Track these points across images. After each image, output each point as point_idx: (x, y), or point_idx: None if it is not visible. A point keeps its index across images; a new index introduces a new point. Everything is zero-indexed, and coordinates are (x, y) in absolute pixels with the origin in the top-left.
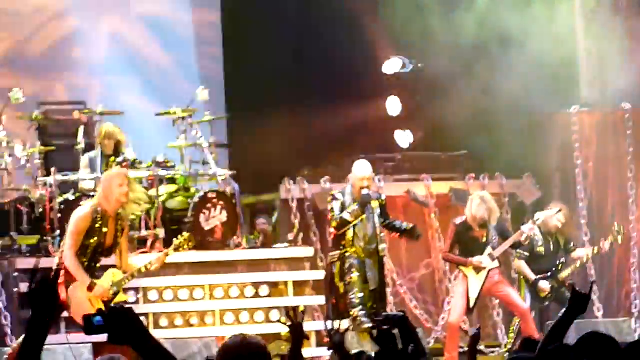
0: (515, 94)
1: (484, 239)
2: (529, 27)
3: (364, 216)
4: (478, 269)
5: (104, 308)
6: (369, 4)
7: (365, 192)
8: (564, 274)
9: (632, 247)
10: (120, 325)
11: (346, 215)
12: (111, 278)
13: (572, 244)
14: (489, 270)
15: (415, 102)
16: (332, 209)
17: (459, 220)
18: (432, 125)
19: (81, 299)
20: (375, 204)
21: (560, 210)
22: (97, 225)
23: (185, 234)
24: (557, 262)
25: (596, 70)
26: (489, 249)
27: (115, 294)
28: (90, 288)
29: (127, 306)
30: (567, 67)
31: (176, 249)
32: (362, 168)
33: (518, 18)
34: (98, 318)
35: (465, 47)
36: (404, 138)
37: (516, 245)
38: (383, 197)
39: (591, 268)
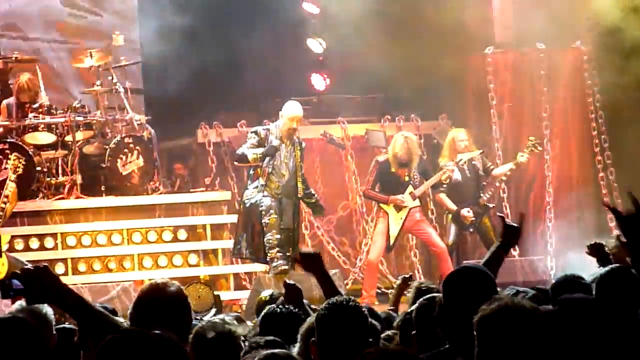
0: (430, 35)
1: (406, 178)
2: None
3: (282, 154)
4: (399, 207)
5: None
6: None
7: (275, 142)
8: (485, 197)
9: (547, 186)
10: (38, 286)
11: (248, 153)
12: None
13: (490, 165)
14: (410, 209)
15: (332, 44)
16: (247, 141)
17: (381, 158)
18: (348, 68)
19: None
20: (297, 149)
21: (482, 152)
22: None
23: (12, 156)
24: (478, 187)
25: (510, 11)
26: (410, 188)
27: None
28: None
29: (42, 265)
30: (481, 8)
31: (15, 172)
32: (293, 108)
33: None
34: (15, 280)
35: None
36: (320, 81)
37: (437, 185)
38: (303, 144)
39: (506, 207)
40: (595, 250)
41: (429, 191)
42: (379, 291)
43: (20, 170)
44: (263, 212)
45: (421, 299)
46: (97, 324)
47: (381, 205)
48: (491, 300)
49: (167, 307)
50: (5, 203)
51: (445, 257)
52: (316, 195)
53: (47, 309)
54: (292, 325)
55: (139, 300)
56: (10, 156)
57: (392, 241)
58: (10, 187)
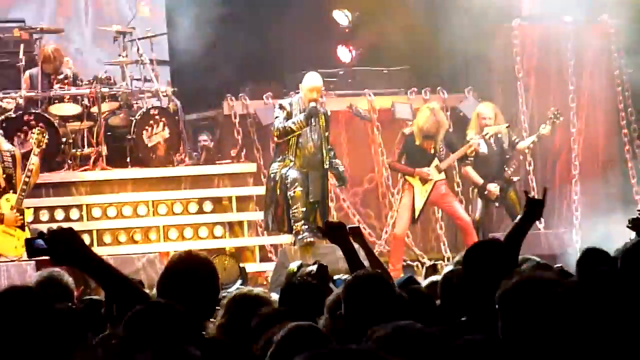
0: (457, 7)
1: (432, 151)
2: None
3: (307, 128)
4: (424, 180)
5: (16, 235)
6: None
7: (312, 104)
8: (510, 171)
9: (573, 159)
10: (62, 246)
11: (290, 124)
12: (9, 203)
13: (515, 138)
14: (435, 182)
15: (358, 17)
16: (277, 117)
17: (407, 131)
18: (375, 40)
19: None
20: (322, 119)
21: (509, 126)
22: None
23: (36, 130)
24: (503, 161)
25: None
26: (436, 161)
27: (22, 214)
28: None
29: (67, 226)
30: None
31: (39, 146)
32: (312, 79)
33: None
34: (39, 240)
35: None
36: (346, 53)
37: (463, 159)
38: (329, 112)
39: (532, 180)
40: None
41: (455, 164)
42: (404, 264)
43: (43, 145)
44: (288, 185)
45: (445, 271)
46: (124, 291)
47: (407, 177)
48: (512, 274)
49: (196, 278)
50: (28, 177)
51: (470, 230)
52: (342, 166)
53: (68, 278)
54: (313, 297)
55: (167, 271)
56: (34, 130)
57: (417, 214)
58: (34, 161)
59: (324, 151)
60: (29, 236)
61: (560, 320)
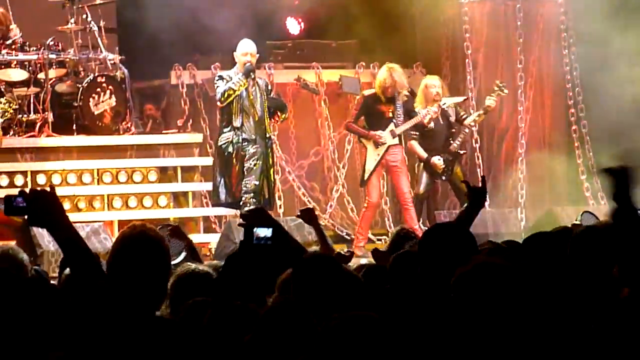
0: None
1: (389, 114)
2: None
3: (248, 87)
4: (377, 144)
5: None
6: None
7: (248, 64)
8: (455, 145)
9: (519, 137)
10: (41, 207)
11: (231, 85)
12: None
13: (463, 114)
14: (389, 146)
15: None
16: (217, 87)
17: (367, 92)
18: (323, 13)
19: None
20: (260, 87)
21: (466, 99)
22: None
23: (2, 100)
24: (449, 135)
25: None
26: (391, 125)
27: None
28: None
29: (48, 188)
30: None
31: (3, 116)
32: (244, 45)
33: None
34: (20, 198)
35: None
36: (294, 25)
37: (419, 126)
38: (270, 87)
39: (478, 157)
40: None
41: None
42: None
43: (8, 115)
44: (246, 157)
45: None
46: (84, 262)
47: (361, 139)
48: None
49: (149, 252)
50: None
51: (408, 207)
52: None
53: (23, 255)
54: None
55: (118, 248)
56: (2, 99)
57: (366, 175)
58: None
59: (266, 121)
60: None
61: (509, 307)
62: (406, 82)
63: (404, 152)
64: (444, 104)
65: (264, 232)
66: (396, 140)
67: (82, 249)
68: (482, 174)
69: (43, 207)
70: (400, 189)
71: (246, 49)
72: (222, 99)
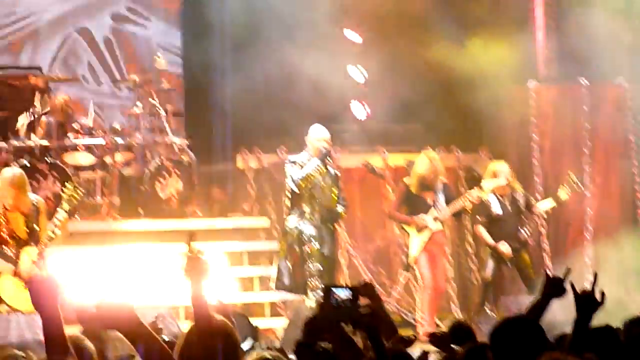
0: (473, 67)
1: (429, 200)
2: None
3: (323, 178)
4: (420, 229)
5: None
6: None
7: (323, 149)
8: (525, 234)
9: (586, 224)
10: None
11: (309, 171)
12: (29, 257)
13: (532, 200)
14: (433, 232)
15: (372, 72)
16: (291, 173)
17: (408, 180)
18: (389, 97)
19: (10, 286)
20: (332, 171)
21: (509, 183)
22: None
23: (69, 185)
24: (518, 222)
25: (554, 45)
26: (433, 211)
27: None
28: (16, 273)
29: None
30: (525, 41)
31: (70, 203)
32: (319, 130)
33: None
34: (345, 290)
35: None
36: (360, 109)
37: (460, 212)
38: (339, 174)
39: (545, 243)
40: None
41: (467, 223)
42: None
43: (74, 201)
44: (305, 240)
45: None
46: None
47: (403, 226)
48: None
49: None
50: (54, 233)
51: (436, 295)
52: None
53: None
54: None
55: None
56: (68, 184)
57: (410, 261)
58: (62, 217)
59: (334, 208)
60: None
61: None
62: (443, 168)
63: (444, 237)
64: (485, 187)
65: (343, 293)
66: (439, 226)
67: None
68: (568, 267)
69: (369, 297)
70: (434, 275)
71: (321, 135)
72: (302, 184)
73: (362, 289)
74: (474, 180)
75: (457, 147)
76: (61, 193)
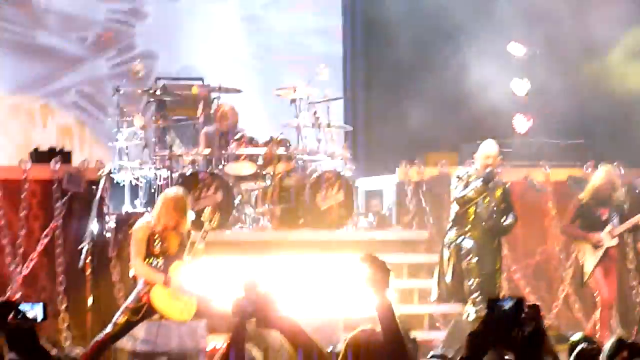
0: (632, 81)
1: (604, 217)
2: None
3: (486, 194)
4: (596, 246)
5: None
6: None
7: (489, 169)
8: None
9: None
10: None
11: (469, 192)
12: (178, 270)
13: None
14: (607, 249)
15: (536, 85)
16: (455, 187)
17: (582, 195)
18: (551, 111)
19: (163, 296)
20: (499, 190)
21: None
22: (155, 242)
23: (207, 210)
24: None
25: None
26: (609, 227)
27: None
28: (166, 282)
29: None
30: None
31: (210, 223)
32: (487, 146)
33: None
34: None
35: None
36: (522, 123)
37: (635, 228)
38: (507, 185)
39: None
40: None
41: (629, 240)
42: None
43: (215, 224)
44: (463, 255)
45: None
46: None
47: (578, 241)
48: None
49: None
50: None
51: (607, 309)
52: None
53: None
54: None
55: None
56: (205, 210)
57: (585, 278)
58: (201, 246)
59: (499, 222)
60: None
61: None
62: (621, 183)
63: (617, 253)
64: None
65: (507, 303)
66: (615, 242)
67: None
68: None
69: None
70: (602, 288)
71: (488, 152)
72: (459, 203)
73: (528, 309)
74: (638, 197)
75: (620, 162)
76: (205, 195)
